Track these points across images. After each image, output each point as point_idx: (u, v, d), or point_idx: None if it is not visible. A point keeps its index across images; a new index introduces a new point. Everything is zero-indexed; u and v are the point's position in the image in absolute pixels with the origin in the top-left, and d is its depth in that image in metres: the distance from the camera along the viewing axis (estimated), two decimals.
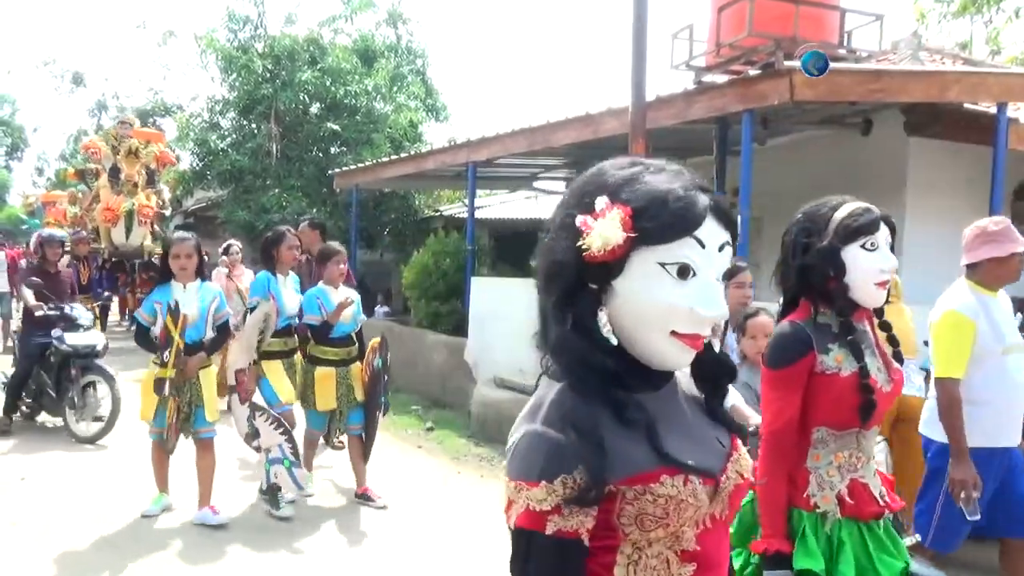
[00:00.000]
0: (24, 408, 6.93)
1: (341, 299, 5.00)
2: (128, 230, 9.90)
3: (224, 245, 7.68)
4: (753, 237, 8.44)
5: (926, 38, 10.11)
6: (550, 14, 79.82)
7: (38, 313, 6.51)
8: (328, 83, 15.33)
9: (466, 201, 11.16)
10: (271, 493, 4.78)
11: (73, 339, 6.46)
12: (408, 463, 6.16)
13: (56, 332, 6.54)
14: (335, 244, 5.37)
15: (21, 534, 4.42)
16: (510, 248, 13.72)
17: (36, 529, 4.47)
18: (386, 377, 5.14)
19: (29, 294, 6.62)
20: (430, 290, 9.88)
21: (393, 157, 12.67)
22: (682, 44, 7.87)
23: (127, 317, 10.81)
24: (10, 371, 7.29)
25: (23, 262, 12.74)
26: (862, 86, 5.76)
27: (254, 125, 16.09)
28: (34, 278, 6.72)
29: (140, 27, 20.23)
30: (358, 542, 4.48)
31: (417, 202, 16.82)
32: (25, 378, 6.71)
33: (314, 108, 16.24)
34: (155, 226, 11.46)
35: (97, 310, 9.83)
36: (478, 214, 11.73)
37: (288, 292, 5.15)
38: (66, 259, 10.56)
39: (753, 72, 5.90)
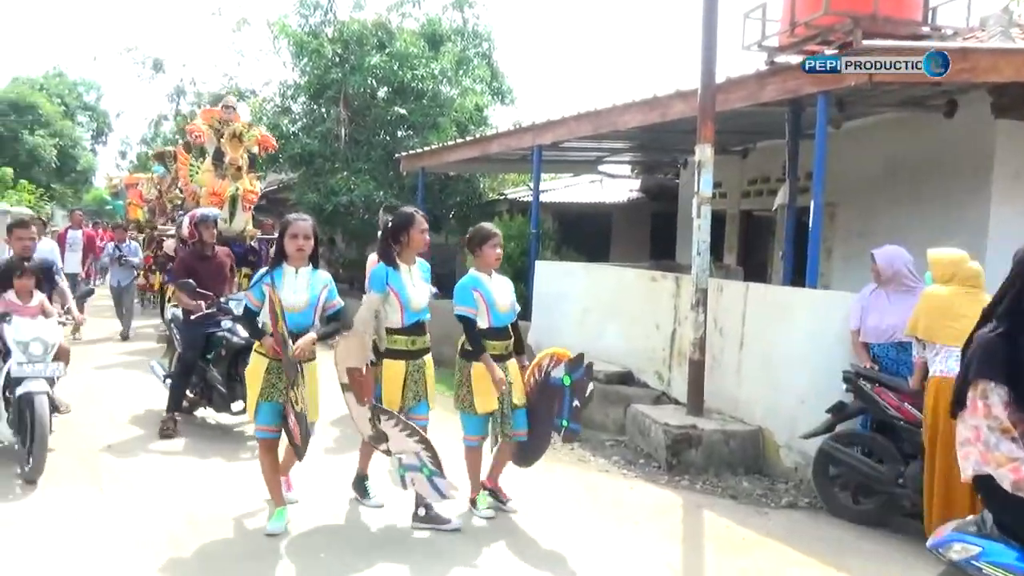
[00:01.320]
0: (184, 403, 6.42)
1: (499, 288, 4.56)
2: (232, 215, 9.81)
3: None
4: (826, 224, 8.19)
5: (1018, 14, 9.53)
6: None
7: (195, 316, 6.12)
8: (395, 67, 15.47)
9: (531, 184, 11.15)
10: (358, 482, 4.66)
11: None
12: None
13: (227, 323, 6.14)
14: (489, 225, 4.72)
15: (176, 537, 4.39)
16: (574, 232, 13.66)
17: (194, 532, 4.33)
18: (576, 403, 4.45)
19: (184, 296, 6.17)
20: None
21: (458, 140, 12.74)
22: (754, 24, 7.65)
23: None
24: (164, 360, 7.00)
25: (104, 245, 12.87)
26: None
27: (324, 109, 16.37)
28: (188, 279, 6.14)
29: (216, 14, 20.92)
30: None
31: (482, 185, 16.88)
32: (189, 370, 6.20)
33: (382, 92, 16.42)
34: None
35: None
36: (542, 197, 11.71)
37: (415, 284, 4.39)
38: (172, 243, 10.73)
39: (829, 52, 5.70)
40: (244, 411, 5.54)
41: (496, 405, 4.42)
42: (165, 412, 6.18)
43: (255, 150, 10.62)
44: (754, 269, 10.90)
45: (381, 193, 14.58)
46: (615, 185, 16.15)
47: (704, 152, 6.11)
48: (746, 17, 7.71)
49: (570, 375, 4.45)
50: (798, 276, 7.29)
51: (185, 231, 6.81)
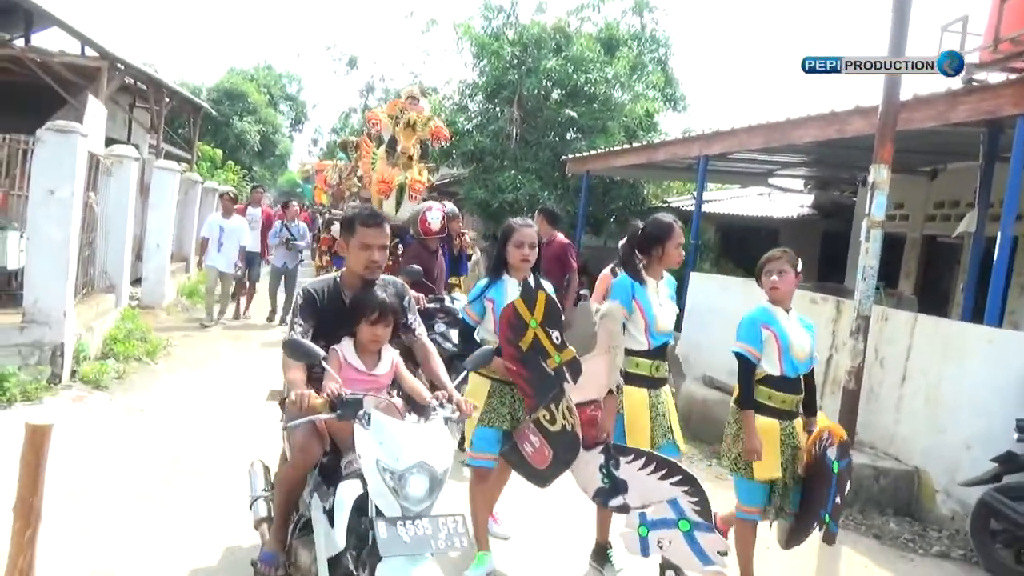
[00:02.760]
0: None
1: (797, 330, 3.67)
2: (398, 204, 9.66)
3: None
4: (1019, 257, 7.49)
5: None
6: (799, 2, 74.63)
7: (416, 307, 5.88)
8: (570, 70, 15.73)
9: (695, 193, 10.99)
10: (599, 552, 3.96)
11: (457, 336, 5.38)
12: None
13: (440, 327, 5.58)
14: (778, 251, 3.76)
15: None
16: (736, 245, 13.29)
17: None
18: (838, 498, 3.50)
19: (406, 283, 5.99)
20: None
21: (625, 146, 12.77)
22: (952, 38, 7.13)
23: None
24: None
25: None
26: None
27: (498, 109, 16.95)
28: (414, 265, 5.81)
29: (408, 16, 22.07)
30: None
31: (645, 191, 16.81)
32: None
33: (555, 94, 16.75)
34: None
35: None
36: (706, 208, 11.51)
37: (662, 302, 3.78)
38: (338, 227, 11.24)
39: None
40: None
41: (779, 472, 3.56)
42: None
43: (428, 140, 10.90)
44: (934, 300, 10.13)
45: (545, 193, 14.90)
46: (785, 199, 15.51)
47: (880, 173, 5.79)
48: (943, 30, 7.21)
49: (839, 462, 3.52)
50: (980, 311, 6.74)
51: (437, 225, 6.39)
